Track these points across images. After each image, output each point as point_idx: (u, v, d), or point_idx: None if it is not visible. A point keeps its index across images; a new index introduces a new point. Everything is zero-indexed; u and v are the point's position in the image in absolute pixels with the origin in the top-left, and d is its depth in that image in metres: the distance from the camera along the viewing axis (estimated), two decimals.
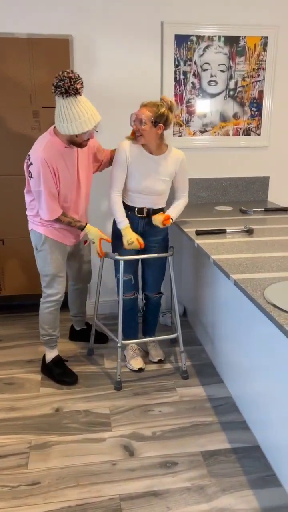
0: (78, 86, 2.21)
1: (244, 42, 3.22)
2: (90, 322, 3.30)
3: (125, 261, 2.66)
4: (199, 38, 3.16)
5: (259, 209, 3.18)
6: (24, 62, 2.99)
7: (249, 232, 2.59)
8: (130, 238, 2.58)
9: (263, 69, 3.29)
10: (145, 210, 2.65)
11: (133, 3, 3.05)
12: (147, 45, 3.13)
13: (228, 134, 3.39)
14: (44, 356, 2.82)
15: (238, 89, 3.31)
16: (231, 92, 3.31)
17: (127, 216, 2.65)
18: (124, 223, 2.60)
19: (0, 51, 2.95)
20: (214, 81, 3.27)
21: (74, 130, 2.29)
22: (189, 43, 3.16)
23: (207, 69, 3.24)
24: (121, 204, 2.63)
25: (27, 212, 2.63)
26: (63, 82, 2.19)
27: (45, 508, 1.88)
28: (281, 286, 1.81)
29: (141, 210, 2.65)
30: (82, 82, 2.25)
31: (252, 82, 3.31)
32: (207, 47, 3.19)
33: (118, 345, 2.66)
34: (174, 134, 3.31)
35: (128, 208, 2.68)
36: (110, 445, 2.24)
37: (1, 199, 3.24)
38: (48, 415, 2.45)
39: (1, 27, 2.95)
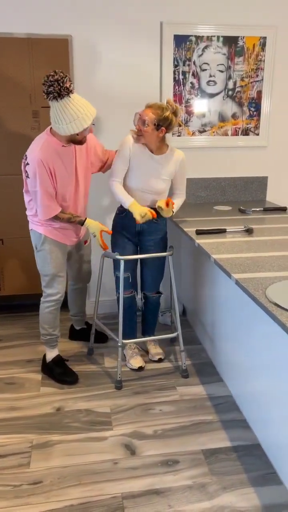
0: (67, 85, 2.20)
1: (243, 42, 3.23)
2: (90, 321, 3.31)
3: (116, 258, 2.67)
4: (198, 38, 3.17)
5: (257, 209, 3.19)
6: (23, 62, 2.99)
7: (249, 231, 2.61)
8: (142, 210, 2.54)
9: (261, 69, 3.31)
10: None
11: (132, 3, 3.05)
12: (147, 45, 3.14)
13: (226, 134, 3.41)
14: (44, 356, 2.82)
15: (237, 89, 3.33)
16: (230, 92, 3.32)
17: (126, 215, 2.66)
18: (130, 200, 2.58)
19: (0, 51, 2.95)
20: (213, 81, 3.28)
21: (74, 129, 2.30)
22: (188, 43, 3.17)
23: (206, 69, 3.25)
24: (122, 188, 2.63)
25: (27, 212, 2.64)
26: (52, 87, 2.19)
27: (47, 507, 1.89)
28: (282, 285, 1.83)
29: None
30: (70, 78, 2.23)
31: (251, 82, 3.33)
32: (206, 47, 3.20)
33: (119, 344, 2.67)
34: (173, 134, 3.32)
35: None
36: (112, 444, 2.25)
37: (0, 199, 3.24)
38: (49, 415, 2.46)
39: (0, 27, 2.95)
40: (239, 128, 3.41)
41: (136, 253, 2.79)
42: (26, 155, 2.44)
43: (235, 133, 3.42)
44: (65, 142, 2.42)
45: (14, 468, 2.09)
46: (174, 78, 3.23)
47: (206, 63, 3.24)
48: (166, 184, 2.65)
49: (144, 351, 3.06)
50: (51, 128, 2.43)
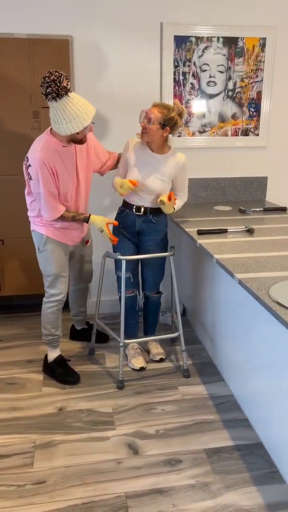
0: (65, 84, 2.20)
1: (243, 43, 3.25)
2: (91, 321, 3.32)
3: (117, 258, 2.67)
4: (198, 39, 3.18)
5: (257, 209, 3.21)
6: (24, 63, 2.99)
7: (250, 231, 2.62)
8: (121, 181, 2.58)
9: (261, 70, 3.32)
10: (143, 209, 2.68)
11: (133, 4, 3.06)
12: (147, 45, 3.15)
13: (226, 135, 3.42)
14: (46, 356, 2.82)
15: (237, 90, 3.34)
16: (230, 93, 3.34)
17: (125, 214, 2.72)
18: (116, 177, 2.70)
19: (0, 51, 2.95)
20: (213, 81, 3.30)
21: (75, 129, 2.30)
22: (188, 44, 3.18)
23: (206, 70, 3.26)
24: (119, 177, 2.70)
25: (29, 213, 2.64)
26: (50, 88, 2.19)
27: (52, 507, 1.89)
28: (285, 285, 1.84)
29: (138, 208, 2.69)
30: (66, 77, 2.23)
31: (251, 83, 3.34)
32: (206, 48, 3.21)
33: (120, 344, 2.68)
34: (173, 134, 3.32)
35: (126, 206, 2.73)
36: (114, 443, 2.25)
37: (0, 199, 3.24)
38: (51, 415, 2.46)
39: (1, 27, 2.95)
40: (239, 129, 3.43)
41: (137, 253, 2.80)
42: (27, 157, 2.44)
43: (235, 133, 3.43)
44: (66, 142, 2.42)
45: (17, 468, 2.09)
46: (174, 78, 3.23)
47: (206, 64, 3.25)
48: (164, 185, 2.64)
49: (145, 351, 3.07)
50: (51, 128, 2.44)
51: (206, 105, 3.33)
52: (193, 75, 3.26)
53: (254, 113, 3.41)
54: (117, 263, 2.80)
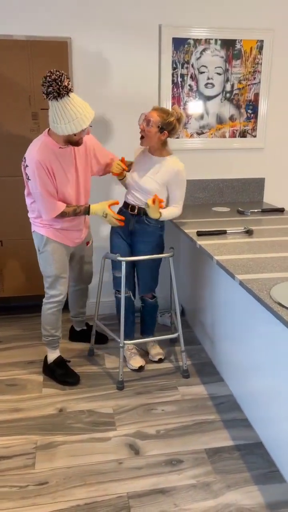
0: (66, 83, 2.21)
1: (240, 45, 3.27)
2: (90, 322, 3.33)
3: (117, 259, 2.68)
4: (196, 41, 3.20)
5: (255, 210, 3.23)
6: (23, 64, 2.99)
7: (249, 233, 2.64)
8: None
9: (259, 72, 3.34)
10: (136, 208, 2.69)
11: (131, 6, 3.07)
12: (145, 47, 3.16)
13: (224, 136, 3.44)
14: (46, 357, 2.83)
15: (235, 92, 3.36)
16: (228, 95, 3.36)
17: (121, 212, 2.76)
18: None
19: None
20: (211, 83, 3.31)
21: (72, 130, 2.31)
22: (186, 46, 3.20)
23: (204, 72, 3.28)
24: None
25: (29, 215, 2.64)
26: (51, 87, 2.20)
27: (54, 507, 1.90)
28: (285, 286, 1.86)
29: (133, 207, 2.71)
30: (67, 76, 2.23)
31: (248, 85, 3.36)
32: (204, 50, 3.23)
33: (120, 345, 2.69)
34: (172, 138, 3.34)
35: (124, 205, 2.77)
36: (115, 444, 2.27)
37: (0, 200, 3.24)
38: (52, 416, 2.47)
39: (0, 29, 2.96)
40: (236, 130, 3.45)
41: (131, 254, 2.82)
42: (24, 158, 2.45)
43: (233, 135, 3.45)
44: (62, 143, 2.43)
45: (19, 469, 2.10)
46: (173, 80, 3.25)
47: (204, 66, 3.27)
48: (157, 187, 2.62)
49: (144, 351, 3.08)
50: (49, 129, 2.44)
51: (204, 107, 3.35)
52: (191, 77, 3.27)
53: (252, 115, 3.43)
54: (114, 263, 2.82)
